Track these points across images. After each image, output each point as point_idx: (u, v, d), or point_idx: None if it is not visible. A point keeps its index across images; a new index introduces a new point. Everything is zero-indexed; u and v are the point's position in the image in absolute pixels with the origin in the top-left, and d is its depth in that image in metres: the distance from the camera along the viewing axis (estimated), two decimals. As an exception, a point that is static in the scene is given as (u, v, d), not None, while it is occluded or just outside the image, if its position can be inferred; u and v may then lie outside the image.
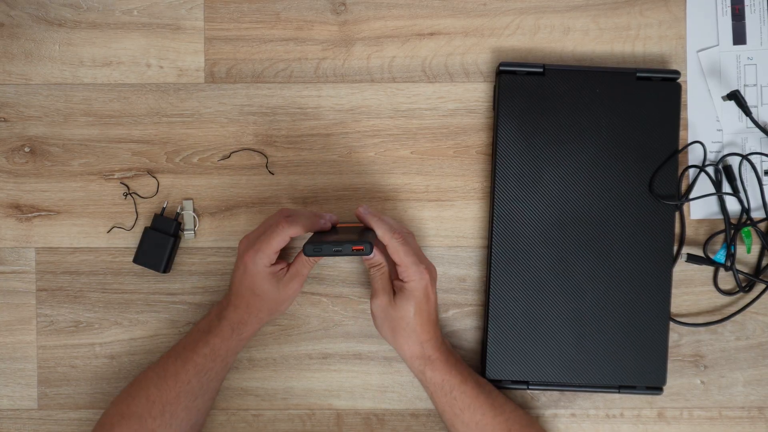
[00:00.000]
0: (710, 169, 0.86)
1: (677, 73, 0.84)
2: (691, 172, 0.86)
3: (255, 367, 0.86)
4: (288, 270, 0.79)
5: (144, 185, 0.86)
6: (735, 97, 0.84)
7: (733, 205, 0.85)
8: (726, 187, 0.85)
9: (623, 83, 0.83)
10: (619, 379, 0.83)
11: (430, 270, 0.79)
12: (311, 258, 0.79)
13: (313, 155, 0.86)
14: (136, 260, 0.85)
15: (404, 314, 0.78)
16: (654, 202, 0.83)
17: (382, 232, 0.77)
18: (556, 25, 0.87)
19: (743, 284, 0.86)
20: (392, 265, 0.79)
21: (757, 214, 0.86)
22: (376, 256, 0.78)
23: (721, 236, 0.86)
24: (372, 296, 0.80)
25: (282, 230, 0.76)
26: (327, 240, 0.75)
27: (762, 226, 0.86)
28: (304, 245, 0.75)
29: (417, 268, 0.77)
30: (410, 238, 0.79)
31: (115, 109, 0.86)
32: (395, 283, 0.79)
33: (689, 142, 0.86)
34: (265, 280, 0.77)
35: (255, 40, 0.87)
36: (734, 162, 0.86)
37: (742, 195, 0.85)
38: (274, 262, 0.78)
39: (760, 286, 0.86)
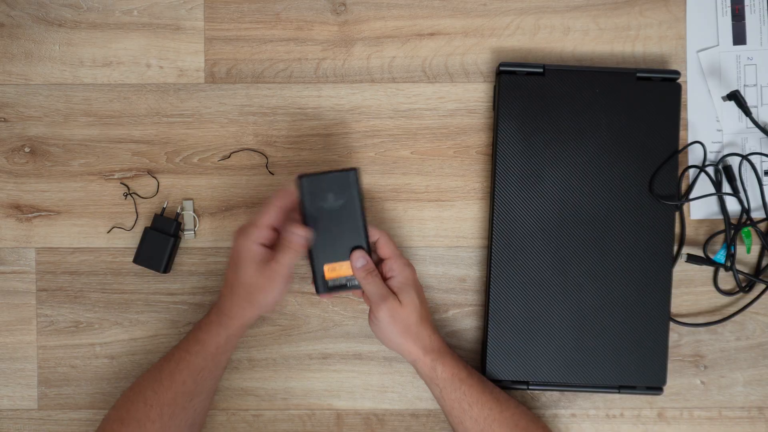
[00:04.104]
0: (710, 170, 0.86)
1: (677, 73, 0.84)
2: (691, 172, 0.86)
3: (255, 367, 0.86)
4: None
5: (144, 185, 0.86)
6: (735, 97, 0.84)
7: (733, 205, 0.85)
8: (726, 188, 0.85)
9: (623, 83, 0.83)
10: (619, 379, 0.83)
11: (410, 261, 0.80)
12: (292, 249, 0.76)
13: (313, 155, 0.86)
14: (136, 260, 0.85)
15: (413, 308, 0.78)
16: (654, 202, 0.83)
17: (369, 227, 0.78)
18: (556, 25, 0.87)
19: (743, 284, 0.86)
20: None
21: (757, 214, 0.86)
22: (370, 262, 0.78)
23: (721, 236, 0.86)
24: (377, 304, 0.77)
25: (271, 202, 0.77)
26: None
27: (762, 226, 0.86)
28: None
29: (404, 260, 0.79)
30: None
31: (115, 109, 0.86)
32: (388, 284, 0.79)
33: (689, 142, 0.86)
34: (250, 259, 0.76)
35: (255, 40, 0.87)
36: (734, 162, 0.86)
37: (742, 195, 0.85)
38: (266, 241, 0.76)
39: (760, 286, 0.86)
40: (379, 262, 0.79)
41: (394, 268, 0.78)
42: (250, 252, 0.76)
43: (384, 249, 0.79)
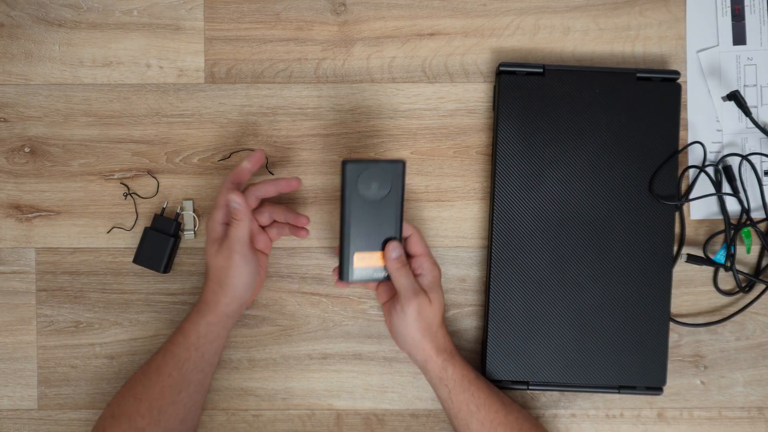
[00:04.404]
0: (710, 170, 0.86)
1: (677, 73, 0.84)
2: (691, 172, 0.86)
3: (255, 367, 0.86)
4: None
5: (144, 185, 0.86)
6: (735, 97, 0.84)
7: (733, 205, 0.86)
8: (726, 188, 0.85)
9: (623, 83, 0.83)
10: (619, 379, 0.83)
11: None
12: (235, 218, 0.77)
13: (313, 155, 0.86)
14: (136, 260, 0.85)
15: (439, 308, 0.78)
16: (654, 202, 0.83)
17: (405, 223, 0.79)
18: (556, 25, 0.87)
19: (743, 284, 0.86)
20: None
21: (757, 214, 0.86)
22: (404, 254, 0.78)
23: (721, 236, 0.86)
24: (408, 298, 0.77)
25: (224, 181, 0.79)
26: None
27: (762, 226, 0.86)
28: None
29: (434, 259, 0.80)
30: None
31: (115, 109, 0.86)
32: (417, 281, 0.79)
33: (689, 142, 0.86)
34: (211, 239, 0.78)
35: (255, 40, 0.87)
36: (734, 162, 0.86)
37: (742, 195, 0.85)
38: (226, 219, 0.78)
39: (760, 287, 0.86)
40: (409, 258, 0.80)
41: (424, 266, 0.79)
42: (212, 232, 0.78)
43: (416, 246, 0.79)
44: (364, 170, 0.76)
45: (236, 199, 0.76)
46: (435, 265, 0.80)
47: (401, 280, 0.77)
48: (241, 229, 0.76)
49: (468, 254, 0.87)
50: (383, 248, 0.78)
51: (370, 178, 0.76)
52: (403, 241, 0.79)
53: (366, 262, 0.78)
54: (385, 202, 0.77)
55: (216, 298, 0.78)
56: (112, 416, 0.78)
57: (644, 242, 0.83)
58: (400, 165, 0.76)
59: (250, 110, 0.86)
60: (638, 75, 0.83)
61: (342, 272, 0.78)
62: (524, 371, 0.83)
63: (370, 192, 0.76)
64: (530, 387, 0.84)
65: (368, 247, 0.78)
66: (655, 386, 0.84)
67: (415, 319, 0.77)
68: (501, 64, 0.84)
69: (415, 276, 0.79)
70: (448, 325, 0.86)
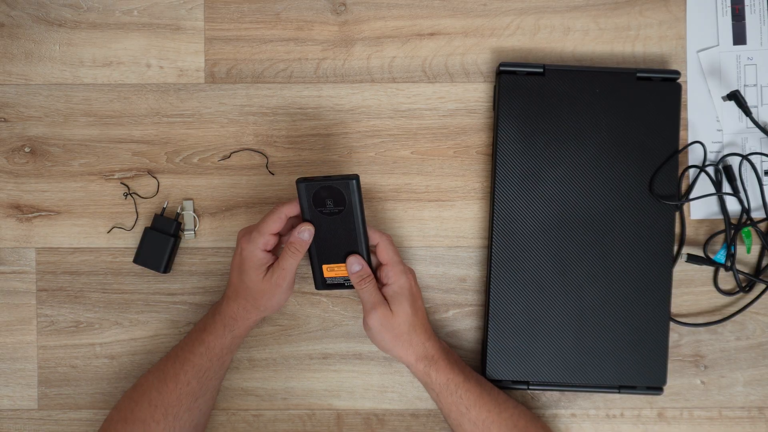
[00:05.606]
0: (710, 169, 0.86)
1: (677, 73, 0.84)
2: (691, 172, 0.86)
3: (255, 367, 0.86)
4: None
5: (144, 185, 0.86)
6: (735, 97, 0.84)
7: (733, 205, 0.85)
8: (726, 187, 0.85)
9: (623, 83, 0.83)
10: (619, 379, 0.83)
11: (410, 268, 0.80)
12: (296, 249, 0.77)
13: (313, 155, 0.87)
14: (136, 260, 0.85)
15: (404, 318, 0.78)
16: (654, 202, 0.83)
17: (371, 231, 0.78)
18: (556, 25, 0.87)
19: (743, 284, 0.86)
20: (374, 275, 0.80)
21: (757, 214, 0.86)
22: (365, 268, 0.78)
23: (721, 236, 0.86)
24: (368, 311, 0.78)
25: (276, 209, 0.77)
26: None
27: (762, 226, 0.86)
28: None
29: (402, 267, 0.79)
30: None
31: (116, 109, 0.86)
32: (383, 291, 0.79)
33: (689, 142, 0.86)
34: (255, 265, 0.77)
35: (255, 40, 0.87)
36: (734, 162, 0.86)
37: (742, 195, 0.85)
38: (269, 247, 0.77)
39: (760, 286, 0.86)
40: (378, 266, 0.79)
41: (390, 275, 0.78)
42: (255, 258, 0.77)
43: (382, 254, 0.78)
44: (318, 189, 0.76)
45: (308, 234, 0.76)
46: (403, 273, 0.78)
47: (361, 294, 0.78)
48: (297, 261, 0.77)
49: (468, 254, 0.87)
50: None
51: (325, 196, 0.76)
52: (372, 249, 0.79)
53: (335, 273, 0.79)
54: (344, 217, 0.77)
55: (248, 315, 0.79)
56: (124, 420, 0.77)
57: (644, 242, 0.83)
58: (353, 181, 0.75)
59: (250, 110, 0.86)
60: (638, 75, 0.83)
61: (315, 281, 0.80)
62: (524, 371, 0.83)
63: (327, 209, 0.77)
64: (530, 387, 0.84)
65: (335, 260, 0.79)
66: (655, 386, 0.84)
67: (379, 330, 0.78)
68: (501, 64, 0.84)
69: (383, 285, 0.79)
70: (447, 325, 0.86)
